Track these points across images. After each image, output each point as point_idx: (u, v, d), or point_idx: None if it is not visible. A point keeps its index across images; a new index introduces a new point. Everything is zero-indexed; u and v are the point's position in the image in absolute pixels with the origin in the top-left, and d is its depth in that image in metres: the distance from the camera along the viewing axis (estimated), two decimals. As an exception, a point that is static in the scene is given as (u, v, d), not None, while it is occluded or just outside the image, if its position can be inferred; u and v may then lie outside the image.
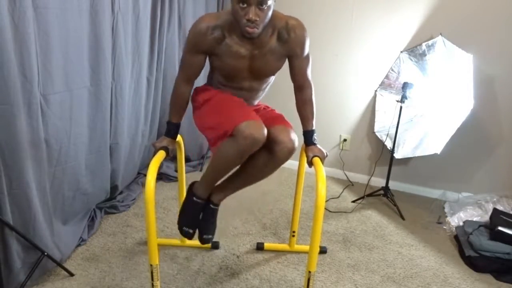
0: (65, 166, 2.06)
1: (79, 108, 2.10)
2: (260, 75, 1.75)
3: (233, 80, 1.76)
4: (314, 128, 1.86)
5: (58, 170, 2.02)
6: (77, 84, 2.04)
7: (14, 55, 1.59)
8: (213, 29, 1.62)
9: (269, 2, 1.50)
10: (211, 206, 1.83)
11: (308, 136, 1.85)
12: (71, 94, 2.01)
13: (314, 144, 1.83)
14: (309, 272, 1.68)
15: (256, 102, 1.93)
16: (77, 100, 2.07)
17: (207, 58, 1.75)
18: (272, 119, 1.78)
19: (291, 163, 1.91)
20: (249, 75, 1.73)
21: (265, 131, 1.57)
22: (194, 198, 1.81)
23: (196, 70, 1.77)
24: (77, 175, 2.19)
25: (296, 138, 1.70)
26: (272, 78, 1.84)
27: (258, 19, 1.49)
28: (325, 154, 1.82)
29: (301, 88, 1.83)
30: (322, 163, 1.73)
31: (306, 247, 1.75)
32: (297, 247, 2.30)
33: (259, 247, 2.30)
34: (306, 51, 1.74)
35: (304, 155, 1.85)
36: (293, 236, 2.25)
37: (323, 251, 2.31)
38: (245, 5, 1.49)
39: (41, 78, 1.79)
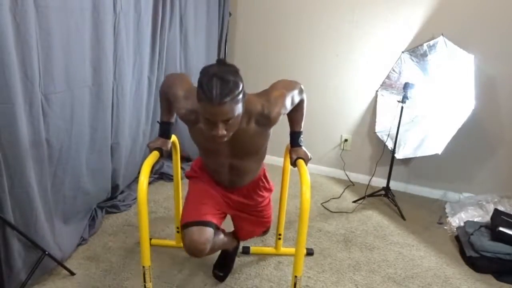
0: (66, 165, 2.06)
1: (80, 108, 2.10)
2: (243, 155, 1.67)
3: (211, 157, 1.70)
4: (301, 130, 1.83)
5: (59, 170, 2.02)
6: (78, 83, 2.04)
7: (15, 54, 1.59)
8: (188, 110, 1.56)
9: (236, 114, 1.36)
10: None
11: (295, 137, 1.82)
12: (72, 93, 2.01)
13: (300, 145, 1.81)
14: (295, 276, 1.60)
15: (247, 181, 1.83)
16: (78, 100, 2.07)
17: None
18: (252, 231, 2.00)
19: (277, 160, 1.87)
20: (229, 155, 1.66)
21: (207, 244, 1.63)
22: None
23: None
24: (78, 175, 2.19)
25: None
26: (261, 153, 1.75)
27: (225, 133, 1.38)
28: (309, 156, 1.79)
29: None
30: (306, 165, 1.70)
31: (292, 250, 1.71)
32: (283, 250, 2.25)
33: (245, 251, 2.24)
34: (289, 104, 1.63)
35: (288, 156, 1.82)
36: (279, 239, 2.21)
37: (310, 253, 2.29)
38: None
39: (42, 78, 1.79)
